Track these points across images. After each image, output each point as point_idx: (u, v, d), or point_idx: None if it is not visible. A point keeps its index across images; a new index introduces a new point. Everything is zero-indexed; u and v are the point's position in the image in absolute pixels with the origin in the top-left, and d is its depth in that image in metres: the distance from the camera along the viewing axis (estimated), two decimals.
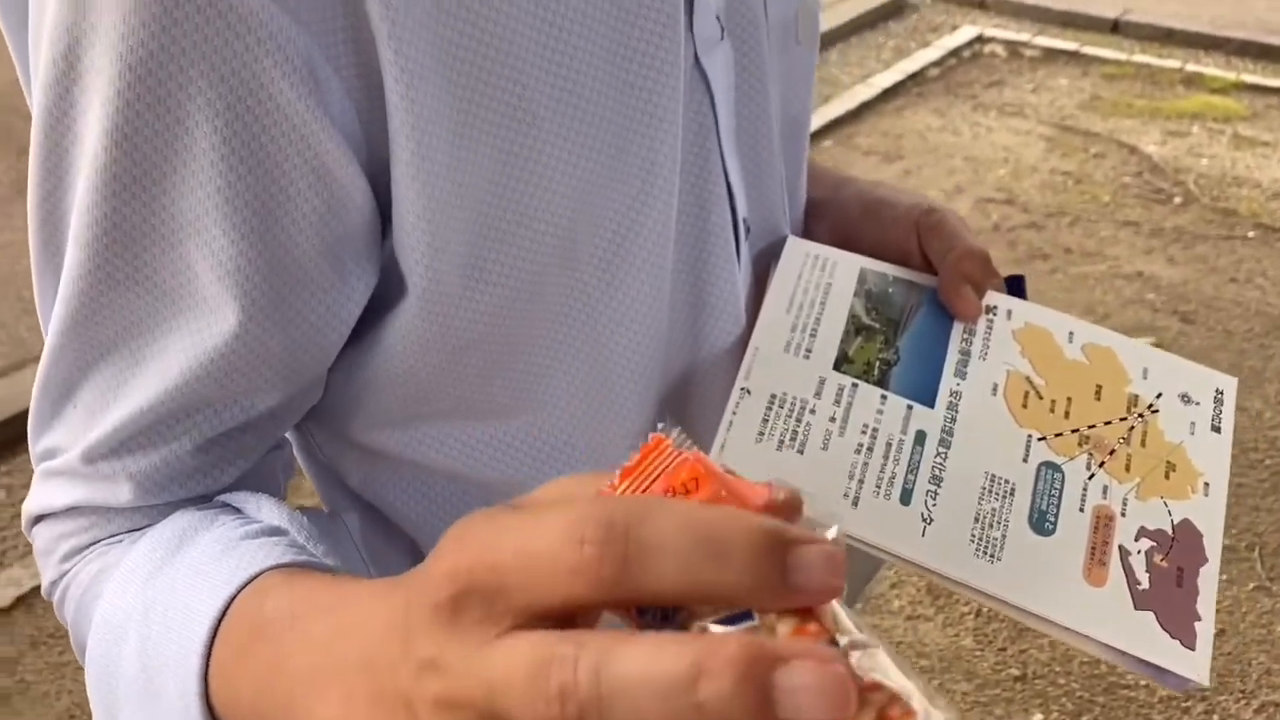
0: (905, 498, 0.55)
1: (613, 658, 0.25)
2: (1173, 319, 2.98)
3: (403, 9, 0.40)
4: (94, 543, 0.51)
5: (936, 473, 0.55)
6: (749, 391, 0.54)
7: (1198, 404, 0.62)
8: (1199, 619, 0.54)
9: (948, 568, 0.53)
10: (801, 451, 0.54)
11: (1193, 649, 0.53)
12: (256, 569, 0.44)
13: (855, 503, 0.54)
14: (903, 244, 0.62)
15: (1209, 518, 0.57)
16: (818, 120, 4.18)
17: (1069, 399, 0.59)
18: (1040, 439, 0.57)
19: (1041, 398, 0.59)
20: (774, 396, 0.54)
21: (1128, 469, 0.57)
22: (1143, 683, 2.00)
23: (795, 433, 0.54)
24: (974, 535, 0.54)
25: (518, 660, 0.26)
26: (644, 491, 0.28)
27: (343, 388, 0.51)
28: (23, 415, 1.40)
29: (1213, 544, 0.57)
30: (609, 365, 0.51)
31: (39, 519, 0.52)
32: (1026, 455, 0.57)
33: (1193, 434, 0.60)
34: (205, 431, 0.48)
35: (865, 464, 0.54)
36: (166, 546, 0.47)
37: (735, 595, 0.25)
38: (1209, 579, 0.55)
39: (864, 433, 0.55)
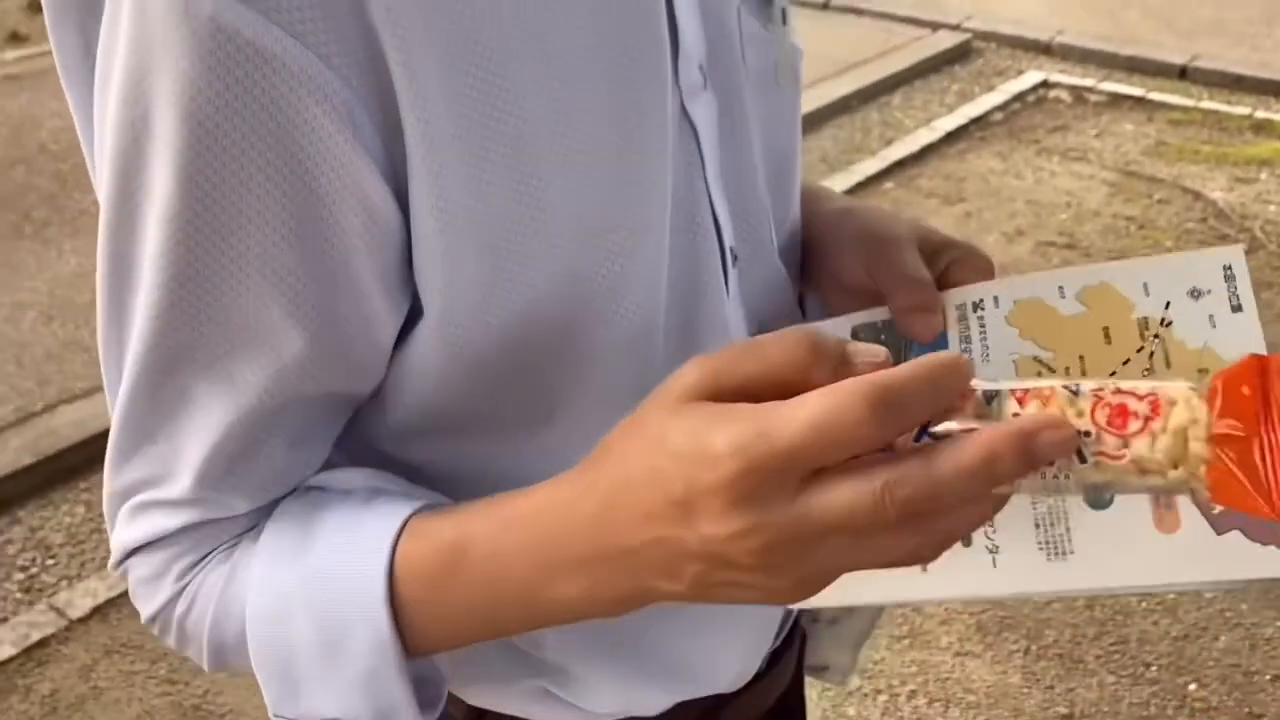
0: (967, 539, 0.54)
1: (931, 470, 0.39)
2: None
3: (420, 64, 0.46)
4: (211, 551, 0.56)
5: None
6: None
7: (1209, 292, 0.58)
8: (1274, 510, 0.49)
9: (1028, 587, 0.56)
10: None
11: (1273, 543, 0.51)
12: (400, 520, 0.51)
13: (924, 567, 0.52)
14: (859, 282, 0.66)
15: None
16: (880, 163, 4.22)
17: (1081, 357, 0.58)
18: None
19: (1054, 370, 0.58)
20: None
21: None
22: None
23: None
24: (1040, 543, 0.54)
25: (854, 496, 0.39)
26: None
27: (371, 402, 0.57)
28: (104, 434, 1.50)
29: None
30: (609, 383, 0.56)
31: (136, 550, 0.56)
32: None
33: (1214, 326, 0.57)
34: (290, 431, 0.54)
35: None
36: (295, 533, 0.54)
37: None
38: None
39: None
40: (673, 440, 0.41)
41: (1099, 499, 0.55)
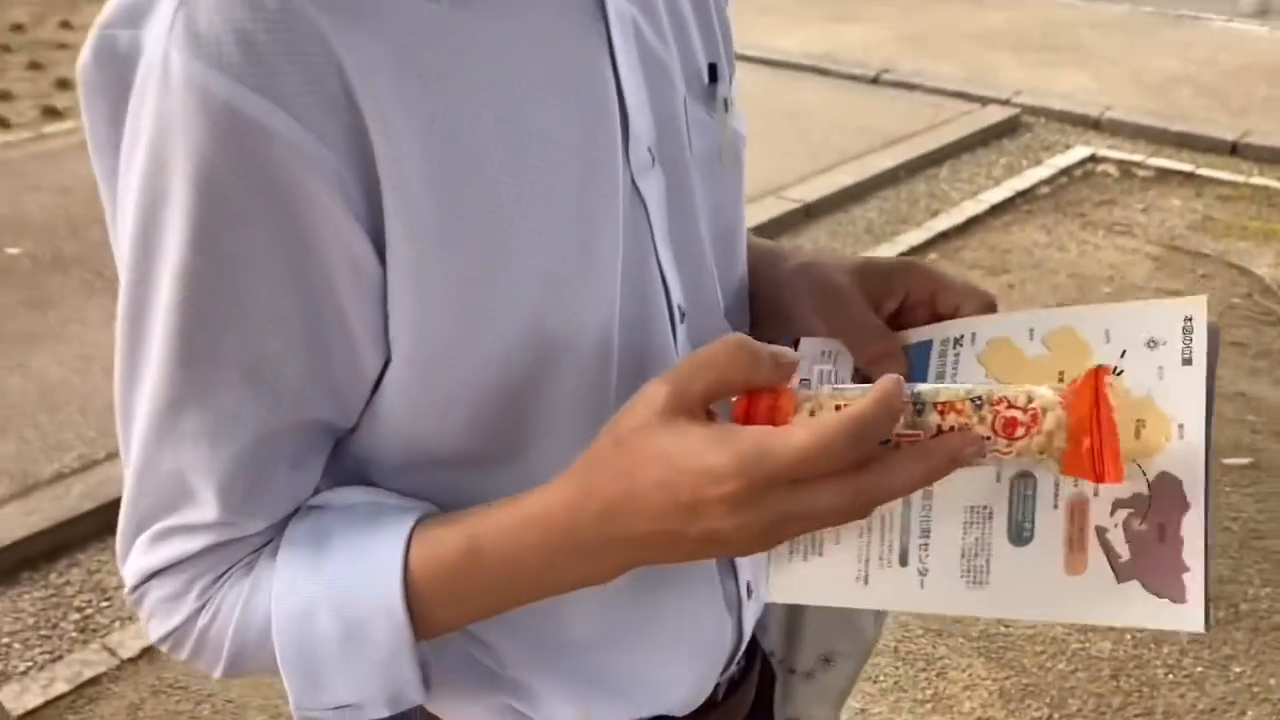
0: (903, 559, 0.61)
1: (891, 478, 0.52)
2: (1273, 440, 2.95)
3: (399, 139, 0.54)
4: (230, 568, 0.62)
5: (924, 526, 0.61)
6: None
7: (1165, 343, 0.60)
8: (1187, 569, 0.56)
9: (944, 608, 0.62)
10: (821, 554, 0.62)
11: (1184, 601, 0.56)
12: (408, 528, 0.60)
13: (865, 581, 0.62)
14: (807, 318, 0.73)
15: (1187, 461, 0.57)
16: (924, 234, 4.27)
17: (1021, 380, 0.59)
18: (1005, 449, 0.56)
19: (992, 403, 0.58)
20: None
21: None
22: None
23: (812, 539, 0.62)
24: (963, 569, 0.60)
25: (835, 498, 0.52)
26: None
27: (357, 440, 0.64)
28: None
29: (1194, 486, 0.57)
30: (571, 422, 0.63)
31: (157, 573, 0.62)
32: (999, 475, 0.60)
33: (1161, 378, 0.59)
34: (289, 456, 0.61)
35: (868, 543, 0.61)
36: (310, 545, 0.61)
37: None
38: (1194, 523, 0.57)
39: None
40: (678, 459, 0.52)
41: (1019, 535, 0.60)
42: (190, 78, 0.51)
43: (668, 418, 0.53)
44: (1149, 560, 0.57)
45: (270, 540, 0.63)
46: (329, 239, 0.55)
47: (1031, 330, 0.65)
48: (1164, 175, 4.91)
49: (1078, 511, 0.59)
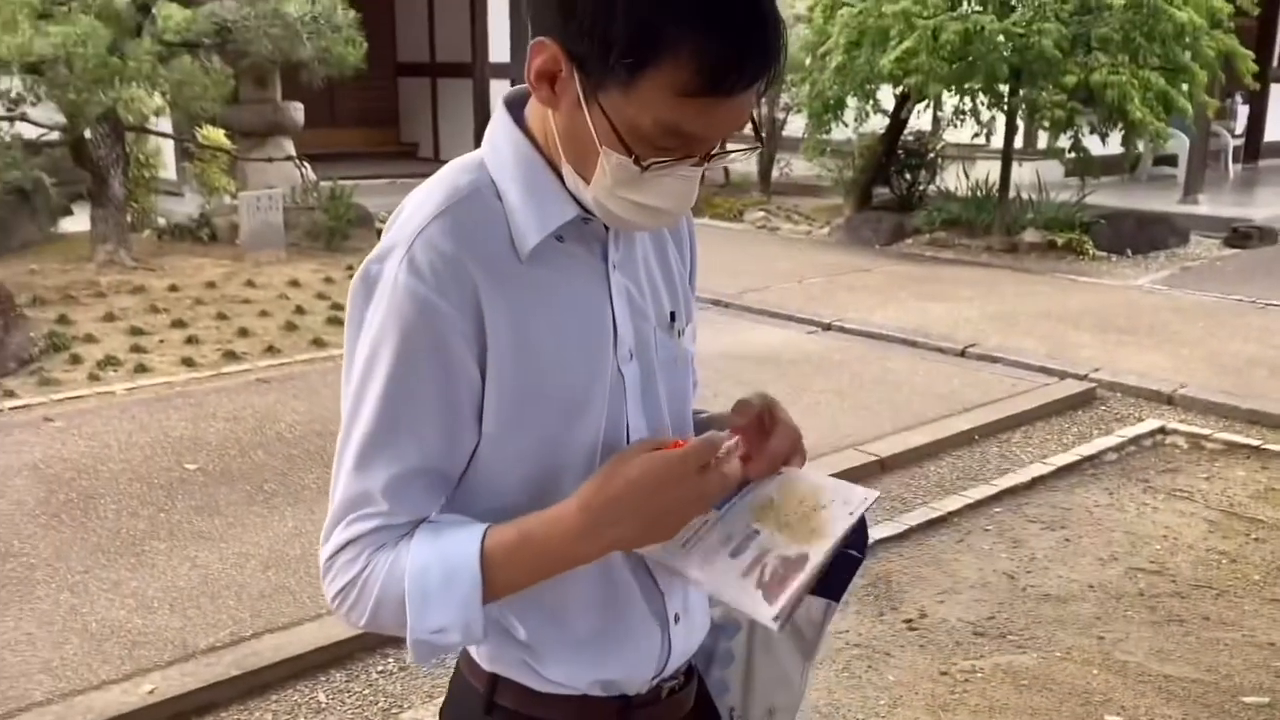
0: (684, 544, 1.09)
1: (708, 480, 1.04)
2: None
3: (495, 323, 1.03)
4: (385, 544, 1.05)
5: (702, 535, 1.10)
6: None
7: (847, 504, 1.10)
8: (782, 595, 1.04)
9: (686, 569, 1.09)
10: (684, 545, 1.11)
11: (771, 605, 1.04)
12: (483, 529, 1.04)
13: (665, 549, 1.09)
14: None
15: (817, 552, 1.06)
16: (990, 489, 4.62)
17: (785, 505, 1.11)
18: (757, 521, 1.11)
19: (772, 507, 1.11)
20: None
21: (793, 533, 1.09)
22: None
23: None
24: (702, 556, 1.08)
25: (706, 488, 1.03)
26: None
27: (459, 489, 1.11)
28: (297, 658, 2.18)
29: (812, 564, 1.05)
30: (574, 482, 1.07)
31: (347, 544, 1.09)
32: (748, 526, 1.10)
33: (835, 518, 1.09)
34: (427, 484, 1.07)
35: (683, 533, 1.09)
36: (429, 534, 1.05)
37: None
38: (801, 580, 1.04)
39: (691, 526, 1.10)
40: (633, 469, 1.01)
41: (737, 551, 1.09)
42: (407, 285, 1.02)
43: (617, 462, 1.04)
44: (772, 584, 1.06)
45: (409, 532, 1.08)
46: (461, 370, 1.05)
47: (805, 478, 1.16)
48: (1231, 448, 5.19)
49: (761, 554, 1.09)
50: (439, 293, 1.02)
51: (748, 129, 1.07)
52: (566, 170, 1.07)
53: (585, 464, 1.11)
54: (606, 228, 1.13)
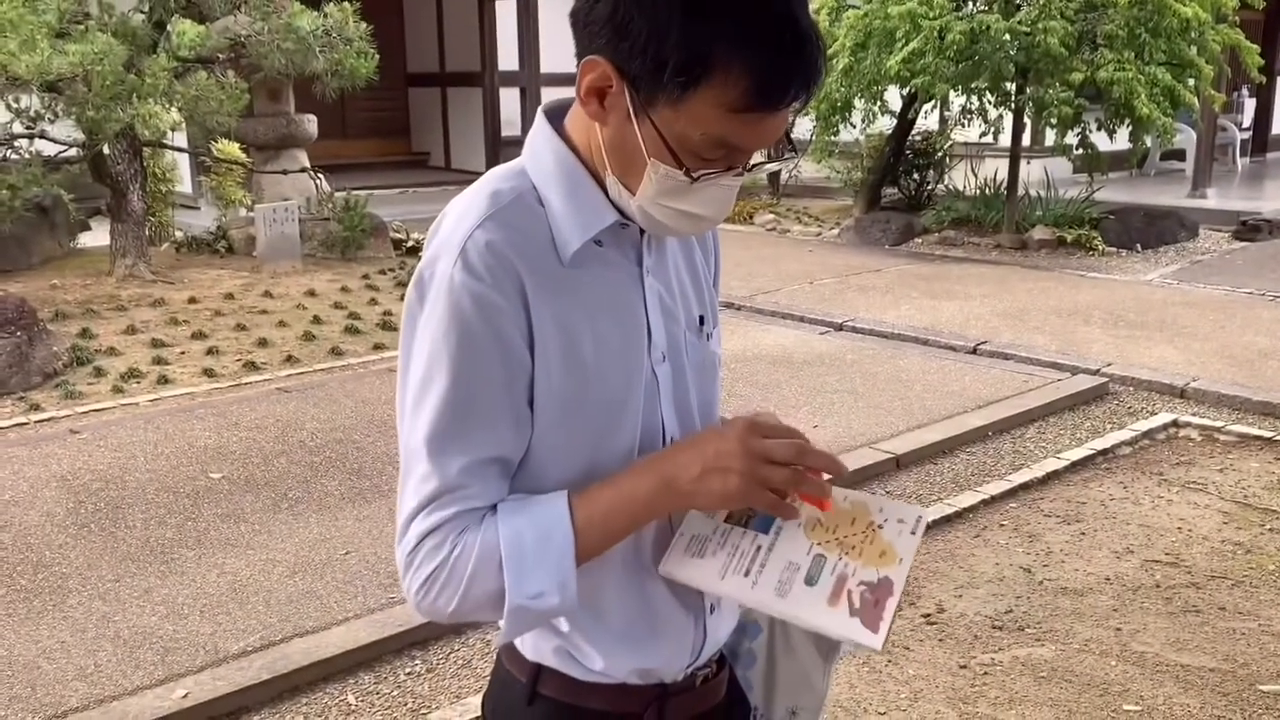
0: (745, 574, 1.13)
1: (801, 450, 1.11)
2: None
3: (540, 319, 1.08)
4: (468, 526, 1.07)
5: (762, 561, 1.14)
6: (683, 534, 1.18)
7: (902, 522, 1.16)
8: (882, 620, 1.08)
9: (757, 605, 1.13)
10: (701, 557, 1.15)
11: (876, 633, 1.08)
12: (566, 495, 1.09)
13: (722, 578, 1.14)
14: None
15: (898, 575, 1.11)
16: (1005, 485, 4.66)
17: (837, 524, 1.15)
18: (819, 544, 1.15)
19: (823, 526, 1.15)
20: (693, 537, 1.18)
21: (860, 555, 1.13)
22: None
23: (701, 546, 1.16)
24: (775, 586, 1.12)
25: (779, 444, 1.09)
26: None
27: (520, 477, 1.15)
28: (327, 661, 2.27)
29: (898, 587, 1.10)
30: (613, 470, 1.13)
31: (430, 533, 1.07)
32: (809, 551, 1.14)
33: (898, 537, 1.14)
34: (498, 470, 1.11)
35: (730, 562, 1.14)
36: (514, 504, 1.09)
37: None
38: (892, 604, 1.09)
39: (733, 548, 1.16)
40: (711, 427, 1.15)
41: (811, 581, 1.13)
42: (464, 284, 1.07)
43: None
44: (866, 610, 1.11)
45: (486, 514, 1.11)
46: (519, 361, 1.10)
47: (846, 496, 1.21)
48: (1245, 440, 5.22)
49: (841, 580, 1.13)
50: (495, 289, 1.07)
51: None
52: (611, 180, 1.12)
53: (622, 465, 1.15)
54: (642, 232, 1.18)
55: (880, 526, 1.16)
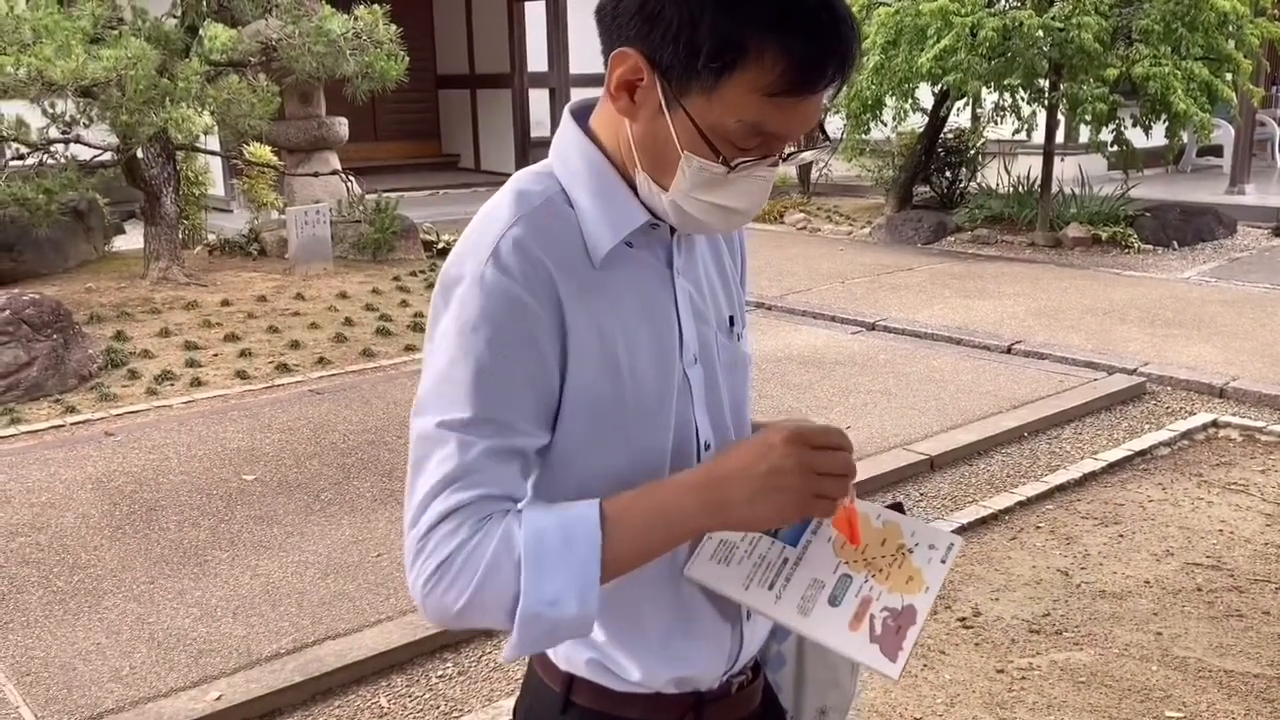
0: (770, 585, 1.12)
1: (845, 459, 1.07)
2: None
3: (574, 322, 1.06)
4: (490, 514, 1.02)
5: (788, 576, 1.13)
6: (710, 537, 1.15)
7: (934, 548, 1.14)
8: (901, 650, 1.07)
9: (779, 618, 1.11)
10: (727, 564, 1.13)
11: (894, 662, 1.07)
12: (596, 503, 1.04)
13: (746, 588, 1.12)
14: None
15: (923, 604, 1.10)
16: (1042, 486, 4.60)
17: (866, 545, 1.14)
18: (846, 563, 1.14)
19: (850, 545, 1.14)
20: (721, 541, 1.15)
21: (887, 579, 1.12)
22: None
23: (728, 553, 1.14)
24: (798, 604, 1.11)
25: (834, 456, 1.06)
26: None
27: (540, 483, 1.13)
28: (359, 664, 2.27)
29: (922, 616, 1.09)
30: (650, 479, 1.10)
31: (446, 516, 1.01)
32: (835, 569, 1.13)
33: (928, 564, 1.13)
34: (521, 462, 1.07)
35: (756, 572, 1.13)
36: (540, 506, 1.05)
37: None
38: (914, 633, 1.08)
39: (759, 558, 1.14)
40: (753, 438, 1.06)
41: (834, 601, 1.11)
42: (497, 282, 1.05)
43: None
44: (886, 637, 1.09)
45: (509, 509, 1.07)
46: (546, 364, 1.07)
47: (879, 515, 1.19)
48: None
49: (864, 604, 1.12)
50: (527, 289, 1.05)
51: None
52: (641, 177, 1.10)
53: (656, 466, 1.14)
54: (672, 232, 1.16)
55: (910, 550, 1.14)
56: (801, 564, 1.13)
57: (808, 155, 1.13)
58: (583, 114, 1.17)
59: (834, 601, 1.11)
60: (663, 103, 1.04)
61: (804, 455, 1.03)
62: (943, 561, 1.13)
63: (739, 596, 1.14)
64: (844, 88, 1.05)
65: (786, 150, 1.07)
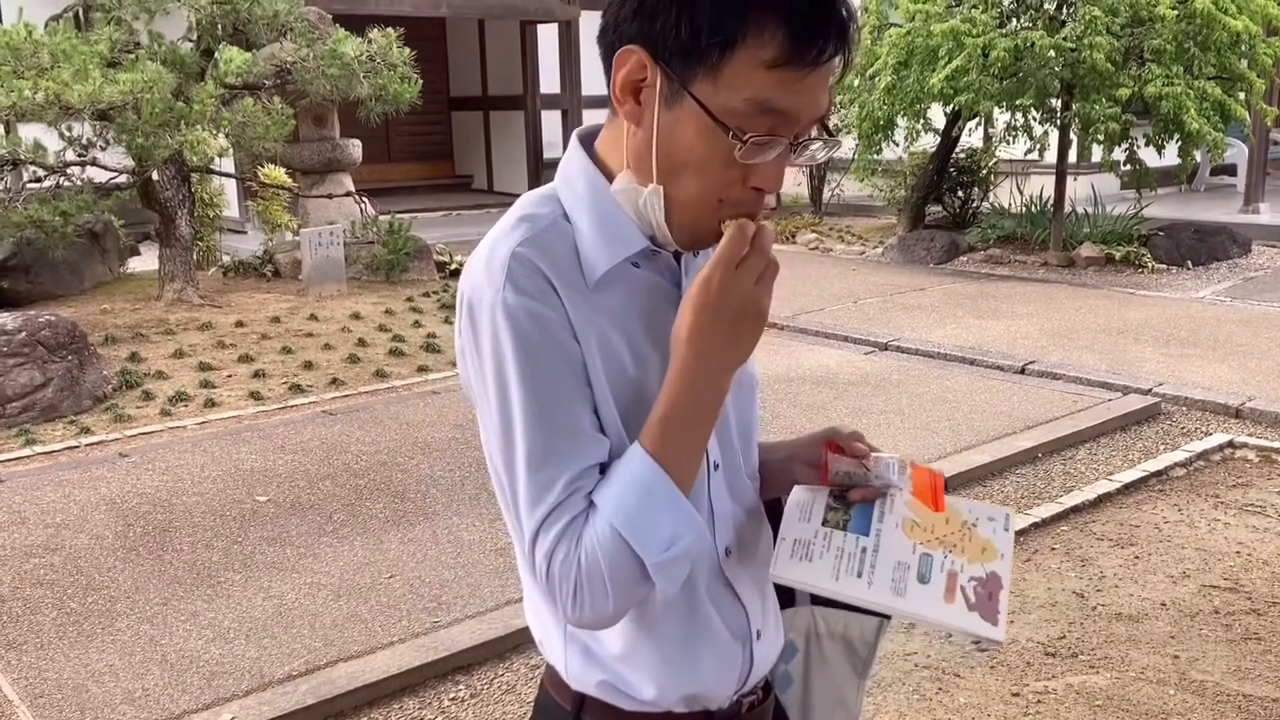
0: (859, 574, 1.14)
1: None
2: None
3: (585, 336, 1.08)
4: (580, 532, 1.05)
5: (871, 562, 1.15)
6: (784, 539, 1.18)
7: (993, 520, 1.20)
8: (999, 613, 1.12)
9: (876, 602, 1.14)
10: (809, 560, 1.15)
11: (996, 625, 1.11)
12: (636, 447, 1.07)
13: (836, 579, 1.14)
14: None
15: (1003, 569, 1.16)
16: (1056, 508, 4.58)
17: (933, 525, 1.18)
18: (921, 544, 1.17)
19: (920, 526, 1.18)
20: (796, 540, 1.17)
21: (963, 552, 1.17)
22: None
23: (806, 550, 1.16)
24: (891, 585, 1.14)
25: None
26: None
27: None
28: (371, 686, 2.32)
29: (1006, 580, 1.14)
30: None
31: (550, 557, 1.05)
32: (914, 550, 1.16)
33: (994, 534, 1.19)
34: (598, 474, 1.09)
35: (839, 564, 1.15)
36: (603, 489, 1.06)
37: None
38: (1004, 595, 1.14)
39: (838, 550, 1.16)
40: (685, 305, 1.07)
41: (923, 579, 1.14)
42: (517, 303, 1.07)
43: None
44: (982, 604, 1.13)
45: (588, 510, 1.08)
46: (579, 362, 1.09)
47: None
48: None
49: (952, 578, 1.15)
50: (544, 303, 1.08)
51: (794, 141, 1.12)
52: (645, 194, 1.11)
53: None
54: (677, 256, 1.17)
55: (974, 525, 1.20)
56: (880, 551, 1.17)
57: (818, 149, 1.12)
58: (589, 139, 1.18)
59: (923, 579, 1.15)
60: (669, 95, 1.06)
61: (728, 277, 1.05)
62: (1005, 530, 1.19)
63: (831, 588, 1.16)
64: (847, 70, 1.09)
65: (799, 140, 1.08)
